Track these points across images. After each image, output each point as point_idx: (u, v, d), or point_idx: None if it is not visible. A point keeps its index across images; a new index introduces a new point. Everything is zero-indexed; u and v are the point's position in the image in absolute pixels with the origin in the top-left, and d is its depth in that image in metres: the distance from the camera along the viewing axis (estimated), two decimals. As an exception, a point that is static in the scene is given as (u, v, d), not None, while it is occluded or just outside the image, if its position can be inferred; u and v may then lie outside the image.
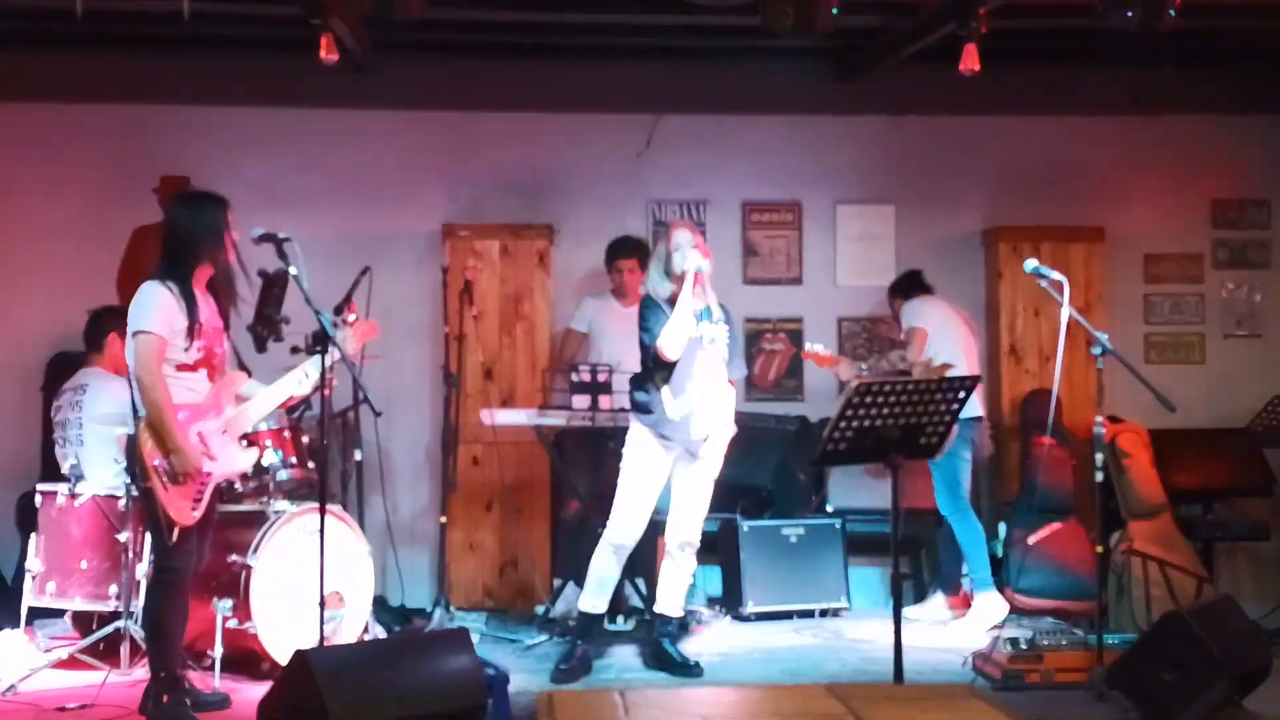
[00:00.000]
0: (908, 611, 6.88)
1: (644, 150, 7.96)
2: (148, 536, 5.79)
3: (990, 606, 6.77)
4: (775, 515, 7.33)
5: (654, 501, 5.87)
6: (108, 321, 6.35)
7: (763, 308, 8.08)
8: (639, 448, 5.85)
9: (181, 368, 5.07)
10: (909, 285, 7.26)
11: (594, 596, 5.94)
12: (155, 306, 5.00)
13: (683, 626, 6.45)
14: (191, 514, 5.04)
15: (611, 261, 7.24)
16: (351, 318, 5.78)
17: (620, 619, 6.73)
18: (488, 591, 7.53)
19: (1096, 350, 5.62)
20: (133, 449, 5.03)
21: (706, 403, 5.80)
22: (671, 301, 5.78)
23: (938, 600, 7.12)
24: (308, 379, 5.33)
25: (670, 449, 5.83)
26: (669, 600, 6.04)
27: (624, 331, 6.55)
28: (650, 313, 5.82)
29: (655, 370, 5.80)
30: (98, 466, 6.18)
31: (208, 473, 5.09)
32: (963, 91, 7.01)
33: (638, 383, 5.95)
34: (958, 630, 6.76)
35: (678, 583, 6.03)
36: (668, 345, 5.68)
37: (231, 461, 5.25)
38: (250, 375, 5.44)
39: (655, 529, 6.04)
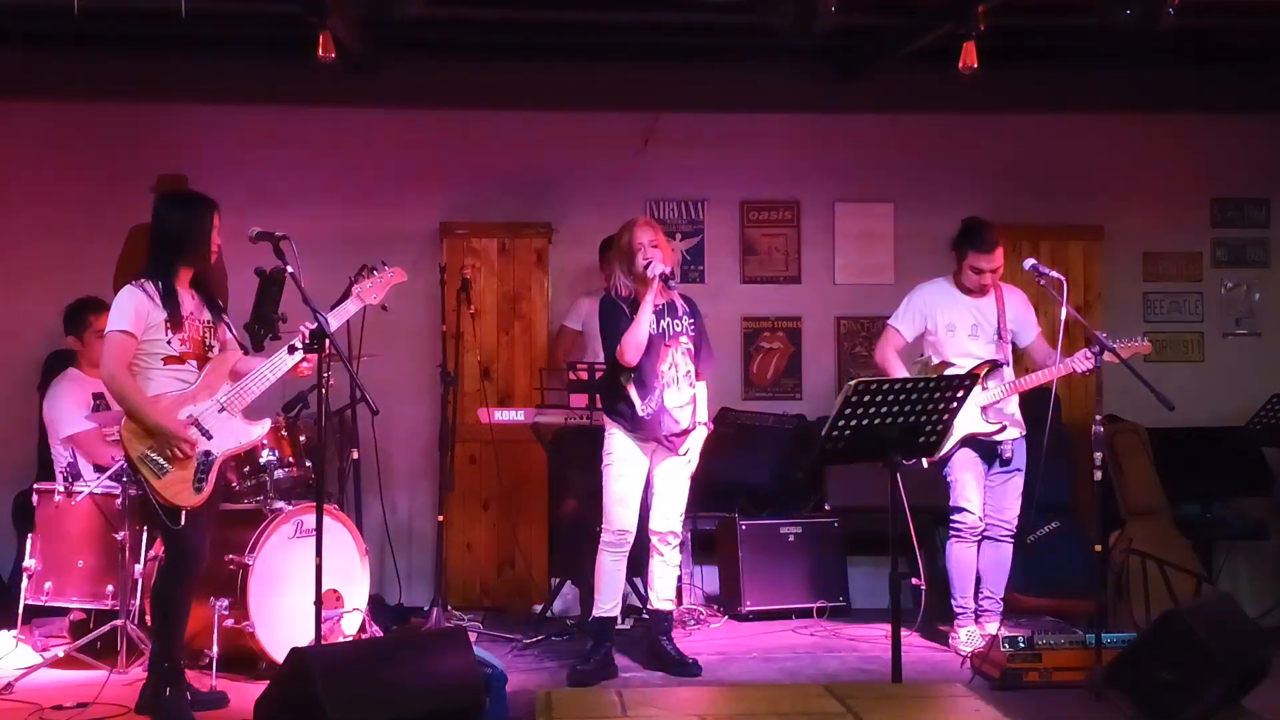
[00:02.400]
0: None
1: (642, 149, 7.95)
2: (145, 535, 5.82)
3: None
4: (773, 514, 7.32)
5: (639, 496, 5.89)
6: None
7: (761, 306, 8.07)
8: (616, 447, 5.89)
9: (169, 360, 5.15)
10: None
11: (605, 600, 5.94)
12: (123, 307, 5.11)
13: (677, 622, 6.46)
14: (194, 495, 5.09)
15: (605, 259, 7.21)
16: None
17: (618, 619, 6.72)
18: (485, 590, 7.53)
19: (1095, 349, 5.61)
20: (123, 446, 5.10)
21: (677, 398, 5.82)
22: (631, 300, 5.82)
23: (973, 632, 6.41)
24: (299, 350, 5.31)
25: (647, 444, 5.86)
26: (662, 595, 6.05)
27: None
28: (610, 316, 5.86)
29: (620, 371, 5.82)
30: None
31: (206, 450, 5.12)
32: (961, 90, 7.00)
33: (606, 384, 5.98)
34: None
35: (667, 576, 6.05)
36: (627, 350, 5.73)
37: (236, 436, 5.29)
38: (247, 353, 5.47)
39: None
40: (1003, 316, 6.36)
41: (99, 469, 6.14)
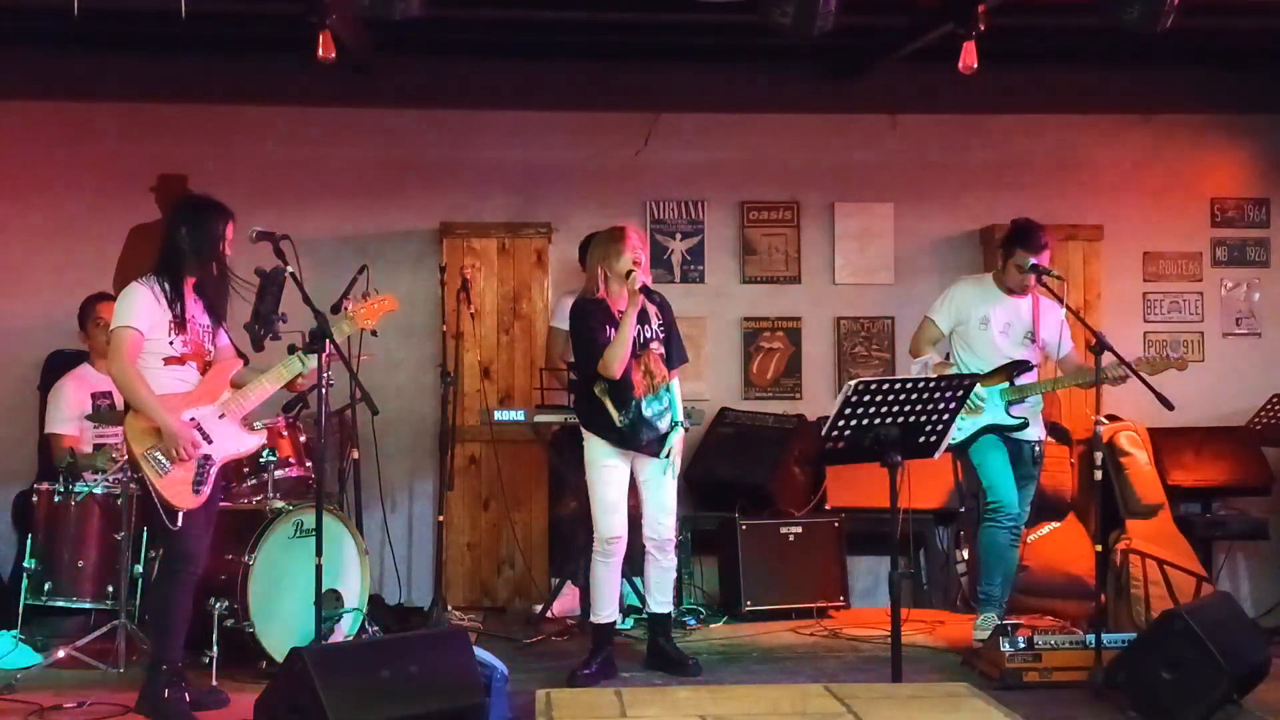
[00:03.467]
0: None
1: (642, 149, 7.95)
2: (145, 534, 5.82)
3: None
4: (773, 514, 7.32)
5: (624, 497, 5.88)
6: None
7: (761, 306, 8.07)
8: (597, 455, 5.87)
9: (170, 361, 5.16)
10: None
11: (601, 608, 5.94)
12: (130, 304, 5.11)
13: (677, 622, 6.46)
14: (193, 496, 5.10)
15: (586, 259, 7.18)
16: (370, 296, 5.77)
17: (617, 620, 6.72)
18: (485, 590, 7.53)
19: (1095, 349, 5.60)
20: (125, 442, 5.12)
21: (653, 406, 5.81)
22: (604, 303, 5.80)
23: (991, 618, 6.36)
24: (308, 361, 5.35)
25: (626, 451, 5.85)
26: (661, 599, 6.05)
27: None
28: (585, 324, 5.82)
29: (595, 383, 5.80)
30: None
31: (206, 454, 5.14)
32: (961, 90, 7.00)
33: (580, 395, 5.97)
34: None
35: (665, 580, 6.04)
36: (610, 366, 5.70)
37: (234, 443, 5.31)
38: (247, 362, 5.48)
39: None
40: (1038, 320, 6.29)
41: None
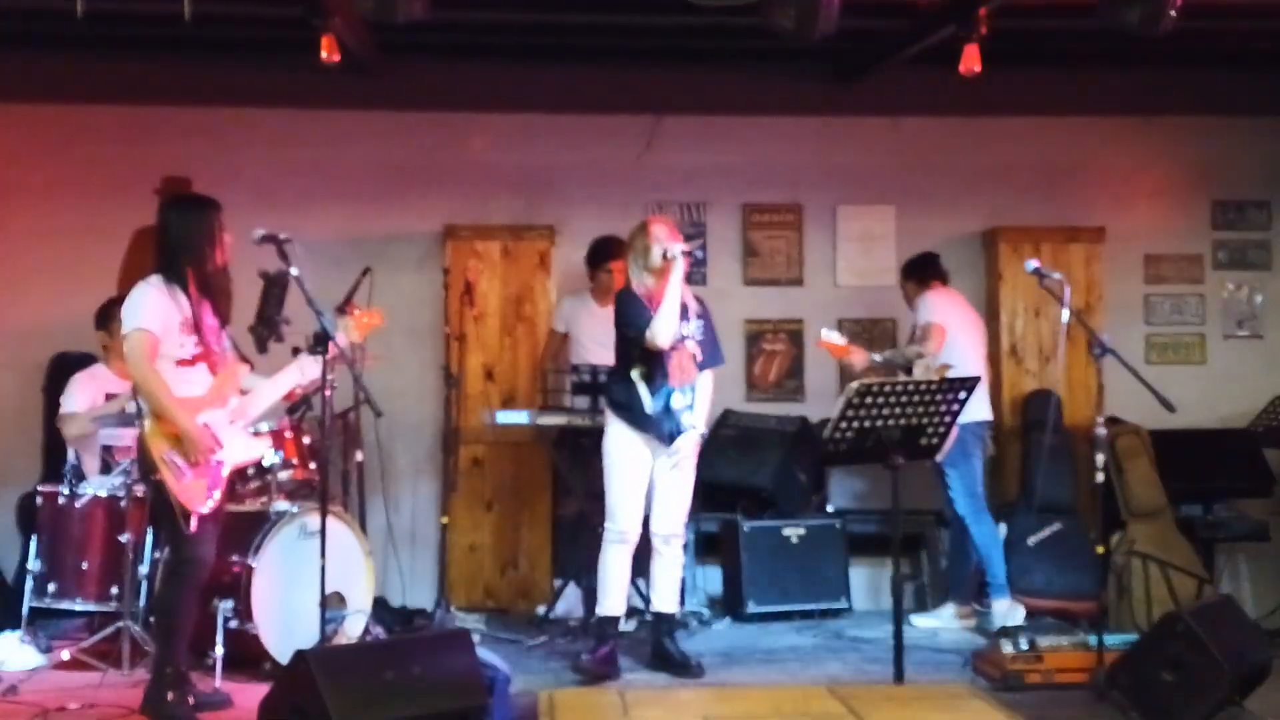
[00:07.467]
0: (917, 620, 6.86)
1: (644, 151, 7.96)
2: (149, 536, 5.84)
3: (1007, 612, 6.72)
4: (776, 516, 7.33)
5: (644, 490, 5.89)
6: None
7: (763, 309, 8.08)
8: (617, 442, 5.89)
9: (181, 363, 5.14)
10: (925, 270, 7.13)
11: (609, 599, 5.94)
12: (143, 304, 5.08)
13: (681, 623, 6.47)
14: (207, 501, 5.11)
15: (601, 263, 7.18)
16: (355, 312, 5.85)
17: (622, 619, 6.73)
18: (488, 592, 7.54)
19: (1096, 351, 5.62)
20: (141, 444, 5.09)
21: (681, 400, 5.85)
22: (650, 296, 5.82)
23: (948, 609, 7.02)
24: (308, 370, 5.38)
25: (648, 441, 5.87)
26: (665, 597, 6.05)
27: (600, 332, 6.70)
28: (630, 305, 5.85)
29: (634, 364, 5.83)
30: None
31: (219, 460, 5.15)
32: (963, 92, 7.02)
33: (614, 378, 5.99)
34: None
35: (670, 577, 6.04)
36: (661, 333, 5.72)
37: (243, 450, 5.33)
38: (252, 368, 5.49)
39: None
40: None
41: (105, 469, 6.16)
